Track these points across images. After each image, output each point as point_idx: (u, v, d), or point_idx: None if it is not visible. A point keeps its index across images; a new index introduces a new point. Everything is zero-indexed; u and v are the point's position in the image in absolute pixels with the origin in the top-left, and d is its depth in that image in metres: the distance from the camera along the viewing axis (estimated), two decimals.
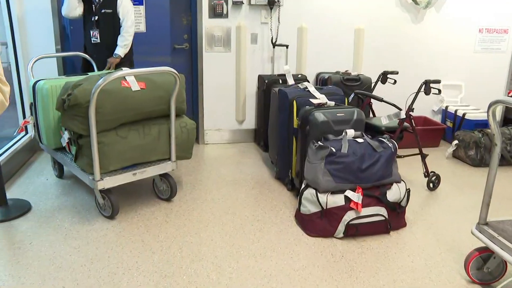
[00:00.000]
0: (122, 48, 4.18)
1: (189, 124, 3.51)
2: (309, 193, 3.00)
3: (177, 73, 3.19)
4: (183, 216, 3.28)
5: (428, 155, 3.84)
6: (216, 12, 4.70)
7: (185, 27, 4.93)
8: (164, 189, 3.54)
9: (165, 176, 3.49)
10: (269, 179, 4.01)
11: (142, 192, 3.68)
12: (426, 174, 3.82)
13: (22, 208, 3.38)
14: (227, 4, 4.70)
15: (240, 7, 4.73)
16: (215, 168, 4.35)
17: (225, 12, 4.71)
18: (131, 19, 4.20)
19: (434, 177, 3.84)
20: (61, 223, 3.17)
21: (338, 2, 4.93)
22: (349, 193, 2.91)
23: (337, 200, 2.92)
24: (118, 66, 4.14)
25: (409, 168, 4.31)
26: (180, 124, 3.44)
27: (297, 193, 3.31)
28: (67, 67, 4.79)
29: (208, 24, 4.74)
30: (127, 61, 4.31)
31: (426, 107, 5.49)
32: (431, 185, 3.84)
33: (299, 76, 4.65)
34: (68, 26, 4.68)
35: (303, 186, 3.12)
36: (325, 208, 2.92)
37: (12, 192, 3.67)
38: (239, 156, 4.70)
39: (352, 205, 2.89)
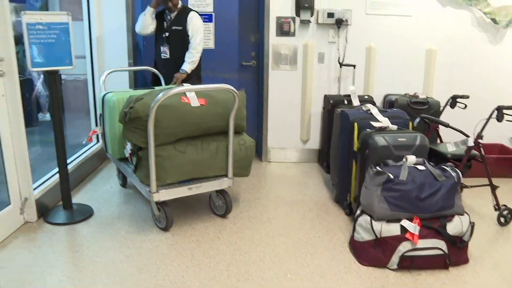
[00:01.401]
0: (189, 65, 4.29)
1: (248, 142, 3.52)
2: (364, 219, 2.90)
3: (236, 91, 3.21)
4: (235, 233, 3.28)
5: (498, 186, 3.59)
6: (283, 30, 4.71)
7: (252, 44, 4.98)
8: (220, 205, 3.56)
9: (221, 192, 3.52)
10: (328, 202, 3.92)
11: (198, 206, 3.72)
12: (496, 207, 3.57)
13: (85, 213, 3.54)
14: (294, 22, 4.70)
15: (308, 26, 4.71)
16: (275, 187, 4.33)
17: (292, 30, 4.71)
18: (200, 37, 4.31)
19: (506, 211, 3.57)
20: (118, 231, 3.27)
21: (409, 21, 4.78)
22: (405, 222, 2.78)
23: (392, 229, 2.79)
24: (185, 82, 4.24)
25: (480, 199, 4.03)
26: (239, 141, 3.46)
27: (354, 217, 3.21)
28: (138, 80, 4.98)
29: (275, 42, 4.76)
30: (195, 76, 4.42)
31: (504, 134, 5.16)
32: (501, 219, 3.58)
33: (366, 97, 4.54)
34: (141, 42, 4.88)
35: (358, 212, 3.03)
36: (379, 236, 2.80)
37: (79, 197, 3.85)
38: (300, 176, 4.65)
39: (408, 235, 2.75)
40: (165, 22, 4.37)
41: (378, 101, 4.87)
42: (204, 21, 4.59)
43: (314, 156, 5.07)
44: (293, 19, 4.71)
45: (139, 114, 3.01)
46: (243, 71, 5.02)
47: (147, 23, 4.36)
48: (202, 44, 4.36)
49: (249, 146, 3.51)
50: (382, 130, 3.27)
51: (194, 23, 4.31)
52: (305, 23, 4.69)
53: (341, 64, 4.75)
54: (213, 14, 4.86)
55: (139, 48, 4.93)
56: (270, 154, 5.06)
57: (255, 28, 4.94)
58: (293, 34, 4.75)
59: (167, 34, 4.35)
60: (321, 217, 3.61)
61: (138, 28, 4.42)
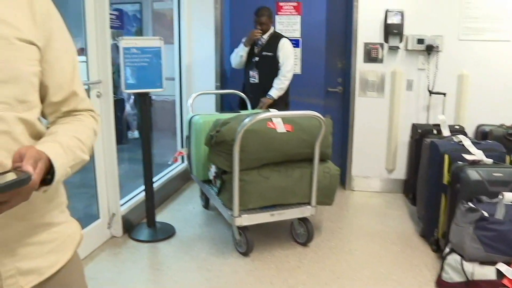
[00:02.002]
0: (276, 91, 4.31)
1: (333, 170, 3.45)
2: (453, 259, 2.72)
3: (322, 118, 3.17)
4: (316, 263, 3.20)
5: None
6: (371, 57, 4.62)
7: (339, 70, 4.92)
8: (301, 233, 3.49)
9: (303, 220, 3.46)
10: (413, 236, 3.74)
11: (279, 233, 3.68)
12: None
13: (168, 232, 3.61)
14: (382, 48, 4.60)
15: (396, 52, 4.59)
16: (358, 217, 4.20)
17: (380, 56, 4.61)
18: (290, 65, 4.34)
19: None
20: (199, 252, 3.30)
21: (507, 46, 4.50)
22: (502, 266, 2.57)
23: (486, 273, 2.59)
24: (273, 107, 4.24)
25: None
26: (324, 169, 3.40)
27: (442, 255, 3.03)
28: (224, 103, 5.07)
29: (362, 69, 4.67)
30: (282, 102, 4.42)
31: None
32: None
33: (456, 127, 4.32)
34: (228, 65, 4.97)
35: (447, 250, 2.85)
36: (470, 279, 2.61)
37: (162, 216, 3.94)
38: (384, 206, 4.48)
39: (506, 282, 2.54)
40: (256, 47, 4.44)
41: (470, 131, 4.61)
42: None
43: (399, 187, 4.88)
44: (381, 45, 4.61)
45: (225, 138, 3.04)
46: (329, 97, 4.97)
47: (243, 61, 4.48)
48: (292, 71, 4.38)
49: (333, 174, 3.44)
50: (475, 163, 3.08)
51: (285, 50, 4.34)
52: (394, 49, 4.57)
53: (430, 92, 4.57)
54: (300, 39, 4.87)
55: (226, 72, 5.04)
56: (353, 182, 4.93)
57: (342, 54, 4.89)
58: (381, 61, 4.64)
59: (257, 59, 4.42)
60: (405, 251, 3.44)
61: (234, 65, 4.57)
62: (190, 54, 4.91)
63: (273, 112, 3.29)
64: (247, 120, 2.92)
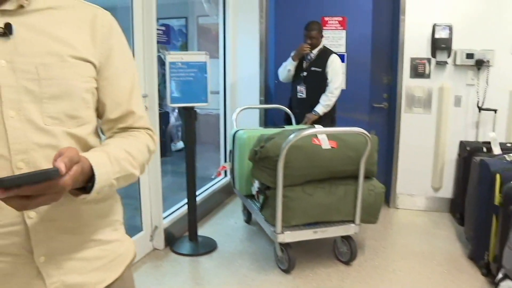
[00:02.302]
0: (322, 107, 4.27)
1: (378, 188, 3.38)
2: (508, 286, 2.59)
3: (368, 134, 3.11)
4: (359, 283, 3.13)
5: None
6: (417, 72, 4.52)
7: (385, 86, 4.84)
8: (344, 252, 3.43)
9: (346, 238, 3.39)
10: (461, 258, 3.60)
11: (322, 250, 3.62)
12: None
13: (209, 247, 3.61)
14: (430, 63, 4.49)
15: (444, 67, 4.48)
16: (402, 236, 4.09)
17: (427, 72, 4.51)
18: (339, 82, 4.29)
19: None
20: (239, 268, 3.28)
21: None
22: None
23: None
24: (319, 122, 4.18)
25: None
26: (368, 187, 3.33)
27: (493, 280, 2.90)
28: (268, 118, 5.07)
29: (408, 84, 4.58)
30: (328, 118, 4.36)
31: None
32: None
33: (508, 145, 4.16)
34: (272, 80, 4.98)
35: (500, 275, 2.72)
36: None
37: (204, 230, 3.95)
38: (430, 226, 4.35)
39: None
40: (304, 62, 4.41)
41: None
42: None
43: (445, 206, 4.73)
44: (429, 60, 4.51)
45: (269, 154, 3.03)
46: (374, 112, 4.89)
47: (291, 75, 4.46)
48: (340, 89, 4.32)
49: (378, 192, 3.37)
50: None
51: (334, 66, 4.30)
52: (442, 64, 4.46)
53: (480, 108, 4.42)
54: (345, 54, 4.83)
55: (270, 86, 5.04)
56: (398, 200, 4.82)
57: (387, 69, 4.81)
58: (428, 76, 4.54)
59: (305, 74, 4.39)
60: (452, 274, 3.32)
61: (281, 78, 4.56)
62: (235, 68, 4.95)
63: (318, 128, 3.25)
64: (292, 136, 2.89)
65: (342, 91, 4.70)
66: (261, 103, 4.91)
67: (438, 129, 4.59)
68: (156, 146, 1.21)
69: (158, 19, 3.45)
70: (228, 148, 4.12)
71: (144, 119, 1.19)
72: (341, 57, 4.75)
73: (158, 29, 3.52)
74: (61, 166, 0.83)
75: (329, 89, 4.28)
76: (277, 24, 5.03)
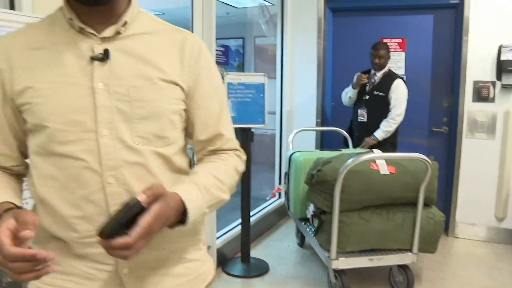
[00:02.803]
0: (382, 133, 4.15)
1: (437, 216, 3.25)
2: None
3: (429, 161, 3.01)
4: None
5: None
6: (481, 96, 4.36)
7: (445, 109, 4.69)
8: (401, 281, 3.31)
9: (403, 267, 3.27)
10: None
11: (377, 279, 3.51)
12: None
13: (261, 269, 3.58)
14: (494, 87, 4.32)
15: (510, 91, 4.29)
16: (462, 267, 3.91)
17: (491, 95, 4.33)
18: (402, 109, 4.13)
19: None
20: None
21: None
22: None
23: None
24: (378, 147, 4.05)
25: None
26: (427, 214, 3.21)
27: None
28: (324, 140, 5.01)
29: (470, 108, 4.42)
30: (388, 143, 4.21)
31: None
32: None
33: None
34: (329, 102, 4.93)
35: None
36: None
37: (256, 251, 3.93)
38: (493, 258, 4.13)
39: None
40: (367, 85, 4.31)
41: None
42: None
43: (510, 237, 4.49)
44: (493, 83, 4.34)
45: (326, 178, 2.98)
46: (433, 137, 4.74)
47: (352, 100, 4.39)
48: (402, 116, 4.15)
49: (438, 220, 3.24)
50: None
51: (399, 92, 4.14)
52: (508, 87, 4.28)
53: None
54: (404, 76, 4.71)
55: (327, 108, 4.99)
56: (457, 229, 4.62)
57: (448, 92, 4.66)
58: (493, 100, 4.36)
59: (367, 97, 4.28)
60: None
61: (344, 103, 4.48)
62: (292, 89, 4.95)
63: (377, 153, 3.18)
64: (350, 160, 2.84)
65: None
66: (317, 125, 4.87)
67: (502, 155, 4.39)
68: (244, 166, 1.25)
69: (216, 39, 3.50)
70: (284, 170, 4.09)
71: (233, 140, 1.24)
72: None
73: (217, 50, 3.58)
74: (142, 197, 0.89)
75: (391, 115, 4.14)
76: (335, 45, 5.00)
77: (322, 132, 4.96)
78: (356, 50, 4.80)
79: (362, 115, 4.29)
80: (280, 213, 4.77)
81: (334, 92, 4.94)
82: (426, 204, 3.22)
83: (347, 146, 4.35)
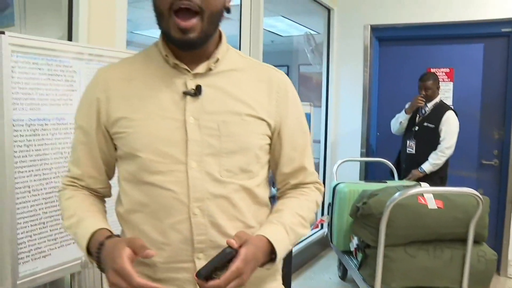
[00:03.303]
0: (430, 166, 4.01)
1: (489, 254, 3.11)
2: None
3: (480, 196, 2.89)
4: None
5: None
6: None
7: (495, 141, 4.53)
8: None
9: None
10: None
11: None
12: None
13: None
14: None
15: None
16: None
17: None
18: (452, 142, 4.00)
19: None
20: None
21: None
22: None
23: None
24: (426, 180, 3.90)
25: None
26: (478, 252, 3.07)
27: None
28: (369, 170, 4.92)
29: None
30: (437, 176, 4.07)
31: None
32: None
33: None
34: (375, 132, 4.86)
35: None
36: None
37: (297, 283, 3.87)
38: None
39: None
40: (417, 115, 4.20)
41: None
42: None
43: None
44: None
45: (372, 211, 2.92)
46: (482, 170, 4.58)
47: (403, 127, 4.30)
48: (453, 149, 4.02)
49: (490, 259, 3.10)
50: None
51: (450, 124, 4.01)
52: None
53: None
54: (452, 107, 4.60)
55: (372, 138, 4.91)
56: (510, 268, 4.41)
57: (499, 124, 4.50)
58: None
59: (416, 128, 4.16)
60: None
61: (393, 130, 4.38)
62: (337, 118, 4.91)
63: (425, 187, 3.08)
64: (397, 194, 2.77)
65: None
66: (362, 155, 4.79)
67: None
68: (322, 198, 1.31)
69: None
70: (327, 200, 4.02)
71: (314, 174, 1.29)
72: None
73: None
74: (232, 243, 1.01)
75: (440, 147, 4.00)
76: (381, 75, 4.94)
77: (367, 163, 4.86)
78: (402, 80, 4.73)
79: (411, 146, 4.17)
80: (322, 245, 4.68)
81: (379, 122, 4.86)
82: (476, 241, 3.09)
83: (393, 178, 4.25)
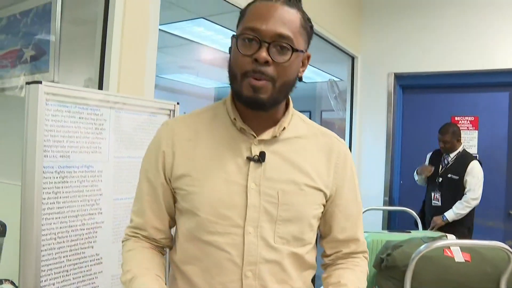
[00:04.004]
0: (454, 215, 3.94)
1: None
2: None
3: (511, 250, 2.80)
4: None
5: None
6: None
7: None
8: None
9: None
10: None
11: None
12: None
13: None
14: None
15: None
16: None
17: None
18: (479, 193, 3.92)
19: None
20: None
21: None
22: None
23: None
24: (452, 230, 3.82)
25: None
26: None
27: None
28: (392, 219, 4.84)
29: None
30: (463, 226, 3.99)
31: None
32: None
33: None
34: (398, 180, 4.81)
35: None
36: None
37: None
38: None
39: None
40: (440, 165, 4.16)
41: None
42: None
43: None
44: None
45: (396, 263, 2.83)
46: (510, 220, 4.47)
47: (423, 179, 4.26)
48: (479, 200, 3.94)
49: None
50: None
51: (474, 175, 3.95)
52: None
53: None
54: (477, 156, 4.55)
55: (395, 185, 4.86)
56: None
57: None
58: None
59: (440, 180, 4.11)
60: None
61: (419, 183, 4.36)
62: (359, 165, 4.87)
63: (452, 239, 3.00)
64: (423, 247, 2.69)
65: None
66: (385, 203, 4.72)
67: None
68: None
69: None
70: None
71: (364, 243, 1.32)
72: None
73: None
74: None
75: (466, 197, 3.93)
76: (405, 122, 4.94)
77: (390, 211, 4.79)
78: (426, 127, 4.71)
79: (436, 198, 4.08)
80: None
81: (403, 170, 4.83)
82: None
83: (416, 228, 4.16)
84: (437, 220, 3.97)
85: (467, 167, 3.97)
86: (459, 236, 3.31)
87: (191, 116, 1.26)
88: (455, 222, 3.96)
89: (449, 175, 4.04)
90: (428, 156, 4.30)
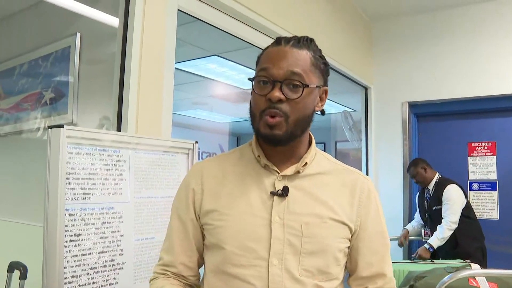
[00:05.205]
0: (438, 241, 3.84)
1: None
2: None
3: None
4: None
5: None
6: None
7: None
8: None
9: None
10: None
11: None
12: None
13: None
14: None
15: None
16: None
17: None
18: (456, 218, 3.82)
19: None
20: None
21: None
22: None
23: None
24: (469, 257, 3.70)
25: None
26: None
27: None
28: (412, 249, 4.74)
29: None
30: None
31: None
32: None
33: None
34: (416, 210, 4.74)
35: None
36: None
37: None
38: None
39: None
40: (425, 202, 4.16)
41: None
42: (486, 189, 4.35)
43: None
44: None
45: None
46: None
47: (416, 233, 4.31)
48: (457, 219, 3.83)
49: None
50: None
51: (448, 196, 3.89)
52: None
53: None
54: (497, 181, 4.49)
55: (414, 215, 4.79)
56: None
57: None
58: None
59: (427, 215, 4.14)
60: None
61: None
62: (376, 189, 4.83)
63: (476, 269, 2.94)
64: (447, 278, 2.64)
65: (494, 222, 4.38)
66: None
67: None
68: None
69: None
70: None
71: (392, 279, 1.30)
72: (492, 185, 4.49)
73: None
74: None
75: (444, 220, 3.84)
76: (421, 150, 4.90)
77: (410, 241, 4.71)
78: (443, 155, 4.68)
79: (427, 234, 4.07)
80: None
81: None
82: None
83: (438, 256, 4.08)
84: (421, 252, 3.87)
85: (443, 191, 3.93)
86: (474, 260, 3.26)
87: (218, 157, 1.34)
88: (469, 250, 3.85)
89: (434, 208, 4.01)
90: (417, 196, 4.35)
